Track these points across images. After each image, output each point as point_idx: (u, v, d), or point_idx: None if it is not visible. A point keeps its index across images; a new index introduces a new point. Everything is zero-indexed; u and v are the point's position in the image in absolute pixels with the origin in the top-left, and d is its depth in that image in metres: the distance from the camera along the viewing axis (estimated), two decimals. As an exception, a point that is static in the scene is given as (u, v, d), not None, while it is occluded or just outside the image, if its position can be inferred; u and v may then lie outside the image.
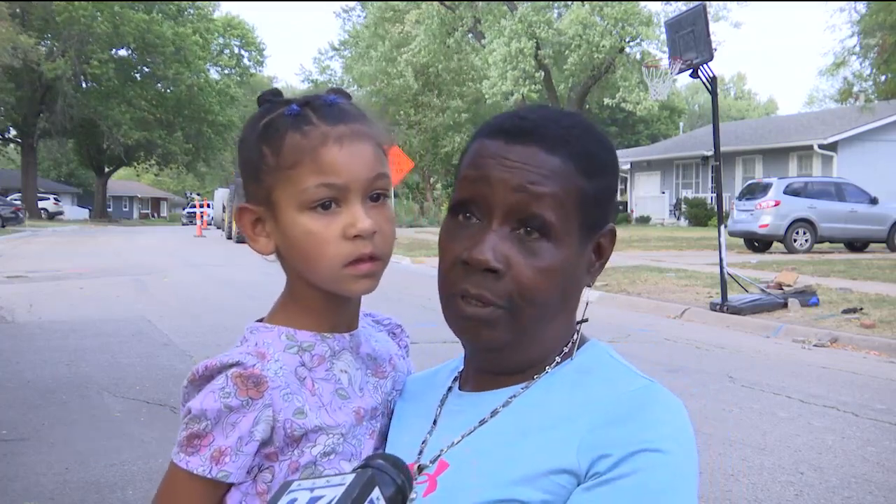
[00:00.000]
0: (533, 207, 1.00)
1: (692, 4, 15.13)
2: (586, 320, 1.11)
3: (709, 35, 10.43)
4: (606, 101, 33.67)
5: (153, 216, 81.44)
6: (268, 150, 1.09)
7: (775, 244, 21.11)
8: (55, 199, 62.66)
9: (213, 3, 60.56)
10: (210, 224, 40.60)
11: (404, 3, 39.49)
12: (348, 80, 49.73)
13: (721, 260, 10.69)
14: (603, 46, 30.87)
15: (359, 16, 51.10)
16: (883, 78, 24.11)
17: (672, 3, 31.50)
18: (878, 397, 6.52)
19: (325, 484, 0.86)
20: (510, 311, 1.01)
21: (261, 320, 1.16)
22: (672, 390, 1.02)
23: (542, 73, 32.76)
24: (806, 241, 20.69)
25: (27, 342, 8.50)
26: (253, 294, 12.02)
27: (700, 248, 20.93)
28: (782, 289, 11.38)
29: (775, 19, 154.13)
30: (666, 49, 13.04)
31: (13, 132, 55.62)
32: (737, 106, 79.85)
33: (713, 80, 10.50)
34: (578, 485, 0.94)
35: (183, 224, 58.35)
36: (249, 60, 64.52)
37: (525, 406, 1.03)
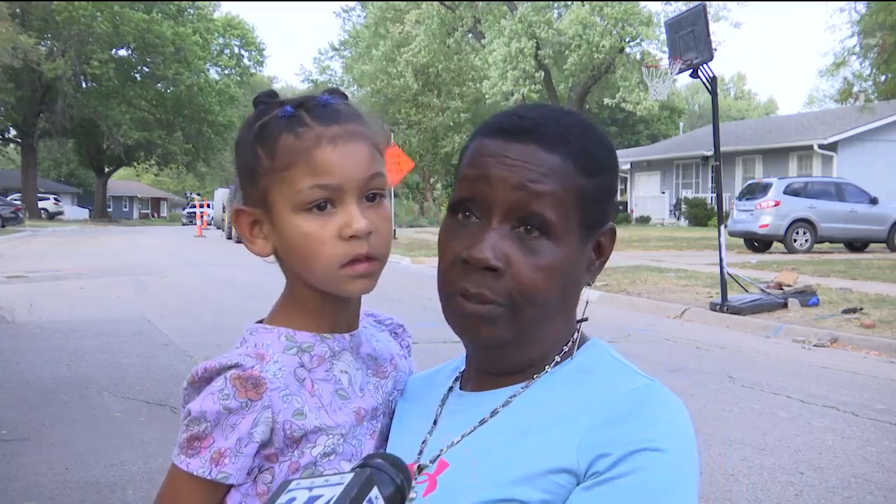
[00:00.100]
0: (533, 206, 1.00)
1: (692, 4, 15.13)
2: (586, 319, 1.11)
3: (709, 35, 10.43)
4: (606, 101, 33.69)
5: (153, 216, 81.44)
6: (262, 151, 1.09)
7: (775, 244, 21.11)
8: (55, 199, 62.65)
9: (213, 3, 60.58)
10: (210, 224, 40.60)
11: (404, 2, 39.49)
12: (348, 79, 49.77)
13: (721, 260, 10.69)
14: (603, 46, 30.88)
15: (359, 16, 51.17)
16: (883, 78, 24.12)
17: (672, 3, 31.51)
18: (878, 397, 6.52)
19: (324, 483, 0.86)
20: (510, 308, 1.00)
21: (261, 321, 1.16)
22: (672, 390, 1.02)
23: (542, 73, 32.76)
24: (806, 241, 20.69)
25: (27, 342, 8.50)
26: (253, 294, 12.02)
27: (700, 248, 20.93)
28: (782, 289, 11.38)
29: (775, 19, 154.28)
30: (666, 49, 13.05)
31: (13, 132, 55.64)
32: (737, 106, 79.86)
33: (713, 80, 10.50)
34: (578, 484, 0.93)
35: (183, 224, 58.34)
36: (249, 60, 64.55)
37: (525, 405, 1.03)
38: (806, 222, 20.66)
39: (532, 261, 1.00)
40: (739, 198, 22.26)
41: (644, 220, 37.94)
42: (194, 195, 62.24)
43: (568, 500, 0.93)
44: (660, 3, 47.33)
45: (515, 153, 1.01)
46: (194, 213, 49.18)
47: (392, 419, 1.18)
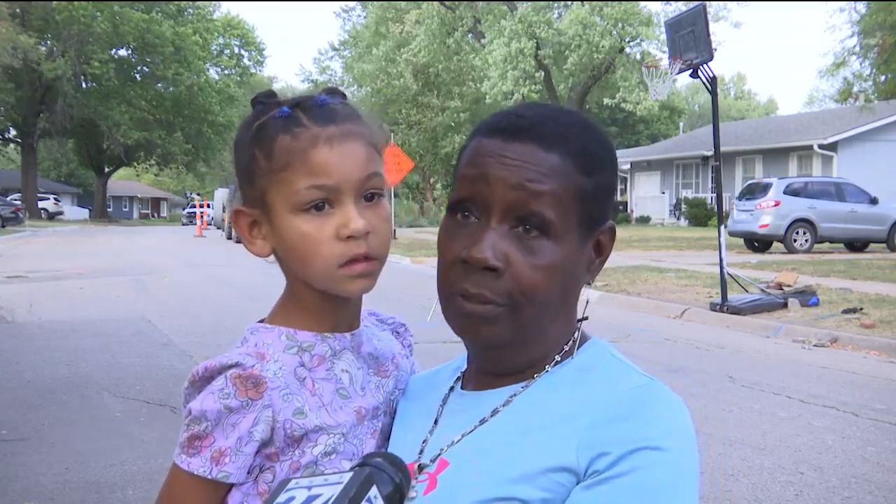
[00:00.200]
0: (532, 205, 0.99)
1: (692, 4, 15.14)
2: (586, 318, 1.10)
3: (709, 35, 10.43)
4: (606, 101, 33.68)
5: (153, 216, 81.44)
6: (259, 152, 1.09)
7: (775, 244, 21.11)
8: (55, 199, 62.64)
9: (213, 3, 60.58)
10: (210, 224, 40.61)
11: (404, 2, 39.49)
12: (348, 79, 49.75)
13: (721, 260, 10.69)
14: (603, 46, 30.87)
15: (359, 16, 51.18)
16: (883, 78, 24.11)
17: (672, 3, 31.52)
18: (878, 397, 6.52)
19: (323, 482, 0.86)
20: (510, 308, 1.00)
21: (262, 321, 1.16)
22: (672, 390, 1.02)
23: (542, 74, 32.76)
24: (806, 241, 20.69)
25: (27, 342, 8.50)
26: (253, 294, 12.03)
27: (700, 248, 20.93)
28: (782, 289, 11.38)
29: (775, 19, 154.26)
30: (666, 49, 13.05)
31: (13, 132, 55.63)
32: (737, 106, 79.86)
33: (713, 80, 10.50)
34: (578, 483, 0.93)
35: (183, 224, 58.35)
36: (249, 60, 64.54)
37: (525, 405, 1.03)
38: (806, 222, 20.66)
39: (531, 260, 1.00)
40: (739, 198, 22.26)
41: (644, 220, 37.94)
42: (194, 195, 62.24)
43: (568, 499, 0.93)
44: (660, 3, 47.33)
45: (514, 153, 1.01)
46: (194, 213, 49.19)
47: (394, 418, 1.18)
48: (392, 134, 31.64)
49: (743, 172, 34.48)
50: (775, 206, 20.40)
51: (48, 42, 48.00)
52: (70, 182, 73.67)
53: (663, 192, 39.26)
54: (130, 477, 4.52)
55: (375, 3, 43.60)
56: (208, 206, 44.04)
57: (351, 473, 0.87)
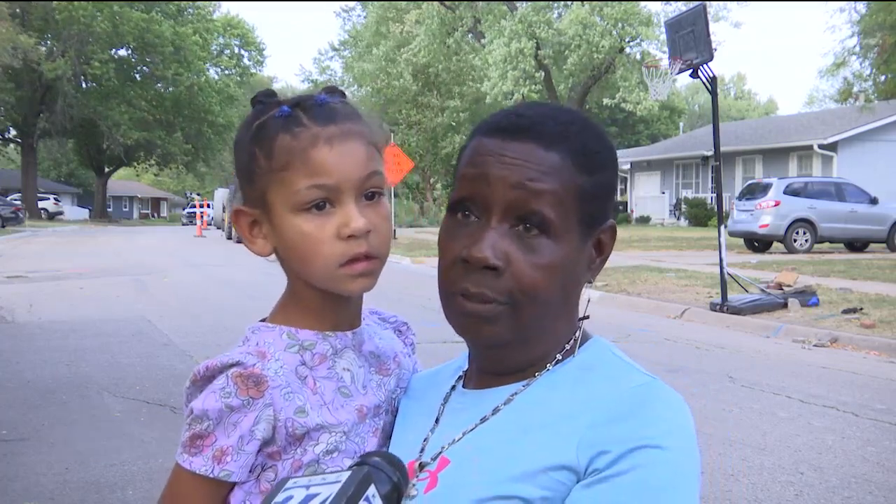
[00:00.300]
0: (532, 204, 0.99)
1: (692, 4, 15.14)
2: (587, 317, 1.11)
3: (709, 35, 10.43)
4: (606, 101, 33.67)
5: (153, 216, 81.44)
6: (260, 152, 1.09)
7: (775, 244, 21.11)
8: (55, 199, 62.64)
9: (213, 3, 60.58)
10: (210, 224, 40.61)
11: (404, 2, 39.49)
12: (348, 79, 49.74)
13: (721, 260, 10.69)
14: (603, 46, 30.88)
15: (359, 16, 51.18)
16: (883, 78, 24.11)
17: (672, 3, 31.53)
18: (878, 397, 6.52)
19: (321, 481, 0.86)
20: (511, 307, 1.00)
21: (263, 320, 1.16)
22: (673, 389, 1.02)
23: (542, 74, 32.76)
24: (806, 241, 20.70)
25: (27, 342, 8.50)
26: (253, 294, 12.03)
27: (700, 248, 20.93)
28: (782, 289, 11.38)
29: (775, 19, 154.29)
30: (666, 49, 13.05)
31: (13, 132, 55.63)
32: (737, 106, 79.85)
33: (713, 80, 10.50)
34: (578, 481, 0.93)
35: (183, 224, 58.35)
36: (249, 60, 64.54)
37: (526, 403, 1.03)
38: (806, 222, 20.66)
39: (532, 259, 1.00)
40: (739, 198, 22.26)
41: (644, 220, 37.94)
42: (194, 195, 62.23)
43: (568, 498, 0.93)
44: (660, 3, 47.35)
45: (514, 152, 1.01)
46: (194, 213, 49.18)
47: (395, 417, 1.18)
48: (392, 134, 31.64)
49: (743, 172, 34.49)
50: (775, 206, 20.40)
51: (48, 42, 48.01)
52: (70, 182, 73.68)
53: (663, 192, 39.26)
54: (130, 477, 4.51)
55: (376, 3, 43.60)
56: (208, 206, 44.03)
57: (349, 472, 0.87)
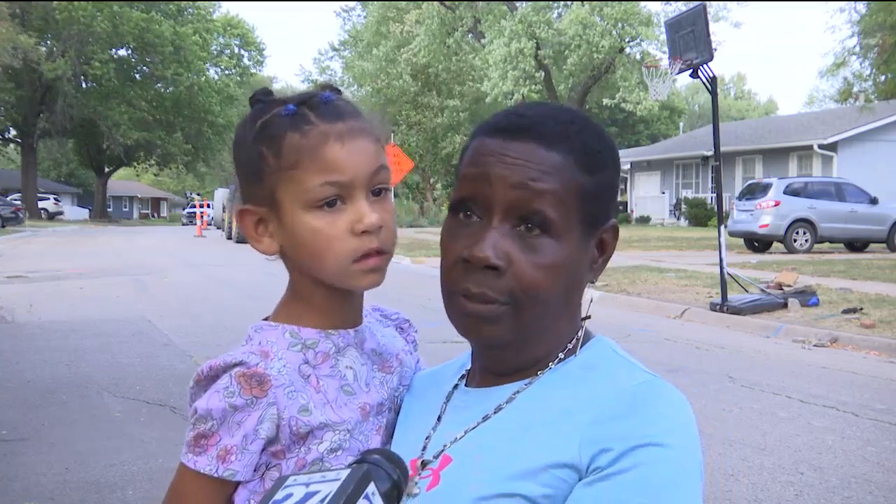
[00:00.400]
0: (533, 204, 1.00)
1: (692, 4, 15.14)
2: (589, 317, 1.11)
3: (709, 35, 10.43)
4: (606, 101, 33.67)
5: (153, 216, 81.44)
6: (267, 150, 1.09)
7: (775, 244, 21.11)
8: (55, 199, 62.64)
9: (213, 3, 60.56)
10: (210, 224, 40.61)
11: (405, 2, 39.49)
12: (348, 79, 49.74)
13: (721, 260, 10.69)
14: (603, 46, 30.88)
15: (359, 15, 51.16)
16: (883, 78, 24.11)
17: (672, 3, 31.53)
18: (878, 397, 6.52)
19: (321, 479, 0.86)
20: (513, 307, 1.00)
21: (266, 319, 1.16)
22: (675, 387, 1.02)
23: (542, 74, 32.77)
24: (806, 241, 20.70)
25: (27, 342, 8.50)
26: (253, 294, 12.03)
27: (700, 248, 20.93)
28: (782, 289, 11.38)
29: (775, 19, 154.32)
30: (666, 49, 13.05)
31: (13, 132, 55.62)
32: (737, 106, 79.84)
33: (713, 80, 10.50)
34: (580, 479, 0.94)
35: (183, 224, 58.35)
36: (249, 60, 64.52)
37: (528, 402, 1.03)
38: (806, 222, 20.66)
39: (533, 259, 1.00)
40: (739, 198, 22.26)
41: (644, 220, 37.94)
42: (194, 195, 62.25)
43: (570, 495, 0.93)
44: (660, 3, 47.38)
45: (515, 151, 1.01)
46: (194, 213, 49.18)
47: (398, 415, 1.18)
48: (392, 134, 31.64)
49: (743, 172, 34.49)
50: (775, 206, 20.40)
51: (48, 42, 48.02)
52: (70, 182, 73.68)
53: (663, 192, 39.26)
54: (130, 477, 4.52)
55: (376, 3, 43.59)
56: (208, 206, 44.03)
57: (348, 470, 0.87)
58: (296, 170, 1.07)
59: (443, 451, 1.04)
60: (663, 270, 15.27)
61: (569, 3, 33.80)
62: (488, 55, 32.68)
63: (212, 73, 59.07)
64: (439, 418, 1.11)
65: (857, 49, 23.86)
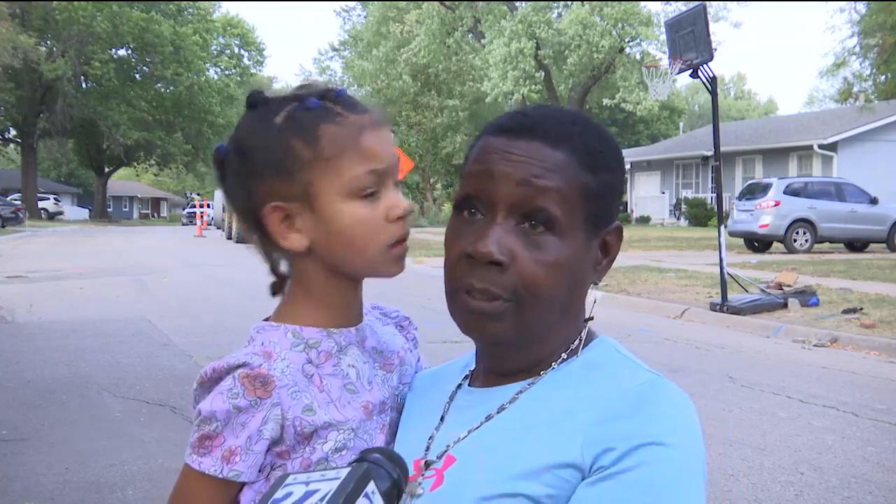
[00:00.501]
0: (537, 201, 1.00)
1: (692, 4, 15.14)
2: (592, 318, 1.11)
3: (709, 35, 10.43)
4: (606, 101, 33.69)
5: (153, 216, 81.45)
6: (301, 143, 1.07)
7: (775, 244, 21.11)
8: (55, 199, 62.64)
9: (212, 3, 60.56)
10: (210, 224, 40.59)
11: (405, 2, 39.49)
12: (348, 79, 49.73)
13: (721, 260, 10.69)
14: (603, 46, 30.89)
15: (359, 15, 51.16)
16: (883, 78, 24.11)
17: (672, 3, 31.56)
18: (878, 397, 6.52)
19: (321, 478, 0.86)
20: (515, 304, 1.01)
21: (267, 319, 1.16)
22: (678, 387, 1.02)
23: (543, 74, 32.78)
24: (806, 241, 20.70)
25: (27, 342, 8.50)
26: (253, 294, 12.00)
27: (700, 248, 20.93)
28: (782, 289, 11.38)
29: (775, 19, 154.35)
30: (666, 49, 13.05)
31: (13, 132, 55.64)
32: (737, 106, 79.85)
33: (713, 80, 10.50)
34: (583, 479, 0.93)
35: (183, 224, 58.35)
36: (249, 60, 64.53)
37: (531, 401, 1.03)
38: (806, 222, 20.66)
39: (537, 256, 1.00)
40: (739, 198, 22.26)
41: (644, 220, 37.94)
42: (194, 195, 62.23)
43: (573, 495, 0.93)
44: (660, 3, 47.38)
45: (519, 149, 1.01)
46: (194, 213, 49.17)
47: (400, 414, 1.18)
48: (392, 134, 31.56)
49: (743, 172, 34.49)
50: (775, 206, 20.40)
51: (48, 42, 48.01)
52: (70, 182, 73.68)
53: (663, 192, 39.27)
54: (130, 477, 4.51)
55: (376, 2, 43.59)
56: (208, 206, 43.99)
57: (348, 469, 0.87)
58: (339, 159, 1.07)
59: (446, 451, 1.04)
60: (663, 270, 15.27)
61: (569, 3, 33.82)
62: (488, 55, 32.69)
63: (212, 73, 59.09)
64: (442, 418, 1.11)
65: (857, 49, 23.87)
